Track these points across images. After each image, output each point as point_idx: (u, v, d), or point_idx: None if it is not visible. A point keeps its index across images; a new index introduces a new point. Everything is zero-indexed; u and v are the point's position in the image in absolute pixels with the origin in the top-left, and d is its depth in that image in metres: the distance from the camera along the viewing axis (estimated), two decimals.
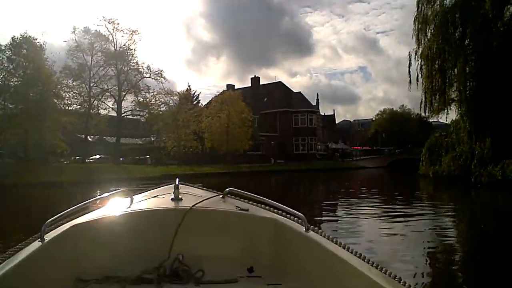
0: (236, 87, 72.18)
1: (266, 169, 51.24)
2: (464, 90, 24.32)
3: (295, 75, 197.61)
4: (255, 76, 76.87)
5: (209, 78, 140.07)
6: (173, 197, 2.90)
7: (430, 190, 24.50)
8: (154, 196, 3.14)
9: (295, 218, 2.73)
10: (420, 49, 27.97)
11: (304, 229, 2.55)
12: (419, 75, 27.75)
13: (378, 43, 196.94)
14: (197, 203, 2.79)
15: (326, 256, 2.26)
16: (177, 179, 3.06)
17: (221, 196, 3.16)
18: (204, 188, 3.53)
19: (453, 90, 26.14)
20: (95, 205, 2.97)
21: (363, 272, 1.98)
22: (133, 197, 3.04)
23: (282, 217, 2.81)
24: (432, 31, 26.75)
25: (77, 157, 48.87)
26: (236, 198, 3.20)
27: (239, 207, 2.89)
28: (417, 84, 28.43)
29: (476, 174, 23.66)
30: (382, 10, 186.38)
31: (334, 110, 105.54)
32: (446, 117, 28.23)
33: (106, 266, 2.47)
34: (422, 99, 27.85)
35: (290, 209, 2.79)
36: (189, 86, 63.10)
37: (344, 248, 2.32)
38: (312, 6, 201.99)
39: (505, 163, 21.21)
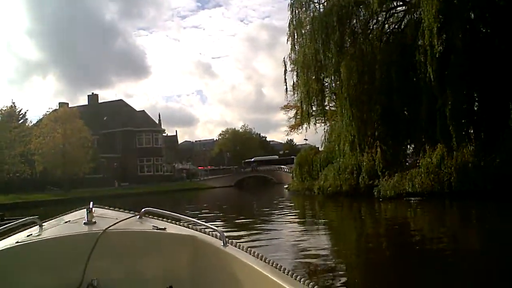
0: (70, 106, 63.20)
1: (109, 193, 44.98)
2: (347, 98, 21.96)
3: (131, 97, 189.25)
4: (92, 93, 68.96)
5: (36, 99, 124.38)
6: (85, 221, 2.69)
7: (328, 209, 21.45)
8: (66, 222, 2.84)
9: (213, 233, 2.63)
10: (293, 55, 25.29)
11: (222, 244, 2.46)
12: (295, 82, 24.93)
13: (212, 67, 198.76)
14: (111, 225, 2.59)
15: (243, 270, 2.21)
16: (91, 203, 2.91)
17: (137, 216, 2.91)
18: (121, 210, 3.15)
19: (333, 99, 23.71)
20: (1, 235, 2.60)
21: (279, 283, 1.91)
22: (42, 224, 2.77)
23: (201, 233, 2.70)
24: (308, 35, 24.21)
25: None
26: (154, 217, 2.96)
27: (156, 226, 2.72)
28: (294, 92, 25.75)
29: (364, 187, 21.39)
30: (216, 37, 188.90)
31: (176, 131, 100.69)
32: (324, 128, 25.80)
33: None
34: (301, 107, 25.03)
35: (208, 224, 2.73)
36: (13, 103, 52.80)
37: (262, 260, 2.21)
38: (146, 28, 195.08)
39: (402, 175, 19.09)
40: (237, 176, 73.96)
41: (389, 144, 21.87)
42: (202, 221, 2.89)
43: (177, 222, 2.91)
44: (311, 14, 24.63)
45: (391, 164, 20.94)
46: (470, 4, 19.97)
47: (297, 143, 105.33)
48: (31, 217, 2.83)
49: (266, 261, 2.20)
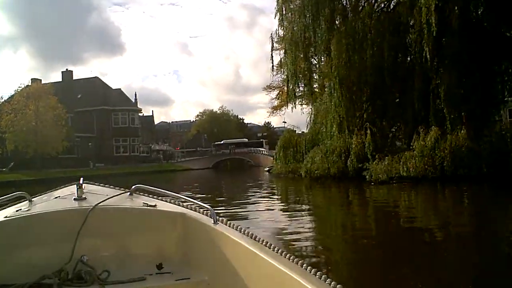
0: (44, 82, 60.60)
1: (84, 174, 41.38)
2: (337, 77, 21.04)
3: (105, 75, 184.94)
4: (67, 69, 66.01)
5: (7, 75, 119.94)
6: (75, 196, 2.65)
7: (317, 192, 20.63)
8: (56, 197, 2.81)
9: (204, 211, 2.60)
10: (281, 31, 24.26)
11: (212, 222, 2.43)
12: (282, 61, 23.90)
13: (189, 47, 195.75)
14: (102, 201, 2.55)
15: (233, 248, 2.19)
16: (81, 178, 2.83)
17: (128, 193, 2.88)
18: (111, 186, 3.14)
19: (320, 78, 22.80)
20: None
21: (268, 260, 1.89)
22: (32, 199, 2.75)
23: (191, 210, 2.68)
24: (297, 11, 23.15)
25: None
26: (144, 194, 2.94)
27: (146, 203, 2.68)
28: (277, 72, 24.70)
29: (353, 170, 20.65)
30: (194, 15, 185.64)
31: (152, 111, 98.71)
32: (310, 109, 24.89)
33: (1, 274, 2.22)
34: (287, 86, 24.04)
35: (198, 202, 2.71)
36: None
37: (252, 238, 2.19)
38: (123, 4, 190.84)
39: (393, 158, 18.34)
40: (215, 158, 72.87)
41: (379, 126, 21.17)
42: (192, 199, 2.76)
43: (167, 200, 2.88)
44: None
45: (381, 146, 20.20)
46: None
47: (275, 126, 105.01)
48: (20, 192, 2.74)
49: (256, 239, 2.17)
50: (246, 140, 79.23)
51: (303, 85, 23.97)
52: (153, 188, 2.87)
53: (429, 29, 17.73)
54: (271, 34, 25.22)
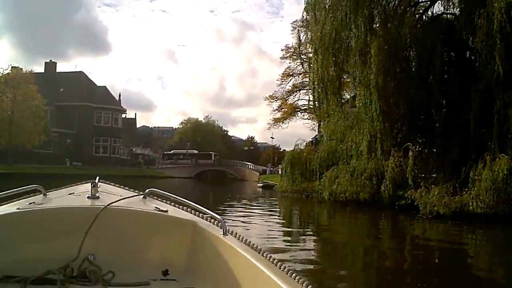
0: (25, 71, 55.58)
1: (59, 172, 39.22)
2: (375, 87, 17.54)
3: (89, 74, 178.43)
4: (50, 60, 60.96)
5: None
6: (89, 195, 2.59)
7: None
8: (70, 194, 2.78)
9: (215, 221, 2.54)
10: (309, 33, 20.78)
11: (221, 233, 2.35)
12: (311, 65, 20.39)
13: (176, 55, 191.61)
14: (114, 202, 2.49)
15: (240, 262, 2.10)
16: (97, 177, 2.81)
17: (141, 196, 2.85)
18: (126, 188, 3.11)
19: (354, 85, 19.23)
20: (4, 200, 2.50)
21: (273, 278, 1.80)
22: (47, 193, 2.71)
23: (202, 219, 2.61)
24: (331, 9, 19.69)
25: None
26: (157, 198, 2.89)
27: (158, 207, 2.60)
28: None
29: (388, 197, 17.07)
30: (184, 24, 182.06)
31: (135, 114, 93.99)
32: (338, 120, 21.33)
33: (7, 266, 2.15)
34: (312, 94, 20.50)
35: (210, 212, 2.61)
36: None
37: (260, 253, 2.11)
38: (113, 5, 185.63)
39: (448, 188, 14.79)
40: (197, 168, 68.59)
41: (421, 149, 17.64)
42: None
43: (180, 206, 2.81)
44: None
45: (424, 172, 16.74)
46: None
47: (258, 141, 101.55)
48: (35, 185, 2.70)
49: (264, 255, 2.09)
50: (195, 151, 73.99)
51: (330, 94, 20.26)
52: (167, 193, 2.80)
53: (503, 38, 14.48)
54: (297, 30, 21.61)
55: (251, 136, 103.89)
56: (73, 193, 2.77)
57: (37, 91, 42.27)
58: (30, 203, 2.45)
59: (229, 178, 69.92)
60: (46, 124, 43.58)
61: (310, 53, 39.76)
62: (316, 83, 20.32)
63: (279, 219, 16.04)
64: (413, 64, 18.09)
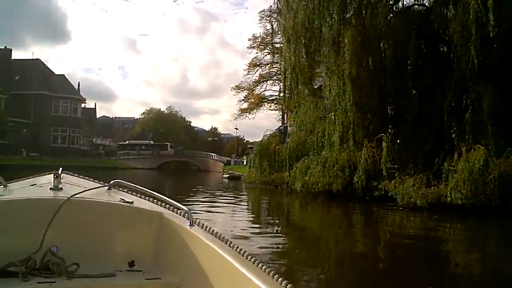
0: None
1: (14, 163, 37.23)
2: (348, 77, 17.16)
3: (46, 62, 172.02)
4: (5, 47, 57.72)
5: None
6: (52, 186, 2.51)
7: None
8: (32, 185, 2.69)
9: (181, 213, 2.50)
10: (282, 22, 20.23)
11: (188, 224, 2.31)
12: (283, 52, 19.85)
13: (138, 44, 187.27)
14: (78, 193, 2.40)
15: (206, 252, 2.08)
16: (61, 168, 2.77)
17: (106, 187, 2.75)
18: (90, 179, 2.99)
19: (327, 75, 18.76)
20: None
21: (239, 268, 1.80)
22: (8, 185, 2.65)
23: (168, 210, 2.56)
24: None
25: None
26: (122, 190, 2.81)
27: (123, 199, 2.53)
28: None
29: (361, 189, 16.81)
30: (146, 13, 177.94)
31: (95, 104, 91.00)
32: (306, 111, 20.90)
33: None
34: (283, 82, 19.99)
35: (176, 203, 2.58)
36: None
37: (227, 244, 2.09)
38: None
39: (423, 178, 14.60)
40: (160, 159, 67.09)
41: (397, 140, 17.43)
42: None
43: (145, 197, 2.75)
44: None
45: (402, 163, 16.55)
46: None
47: (221, 132, 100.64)
48: None
49: (231, 246, 2.07)
50: (148, 142, 72.71)
51: (300, 84, 19.79)
52: (132, 184, 2.72)
53: (478, 29, 14.37)
54: (270, 21, 21.02)
55: (215, 127, 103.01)
56: (35, 184, 2.71)
57: None
58: None
59: (192, 169, 68.83)
60: (0, 113, 41.34)
61: (279, 43, 39.61)
62: (288, 72, 19.76)
63: (248, 210, 15.74)
64: (387, 54, 17.81)
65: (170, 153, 69.53)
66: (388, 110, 18.42)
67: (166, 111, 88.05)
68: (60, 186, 2.52)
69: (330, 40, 18.45)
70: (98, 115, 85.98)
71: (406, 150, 17.05)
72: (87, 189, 2.51)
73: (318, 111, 21.45)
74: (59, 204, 2.26)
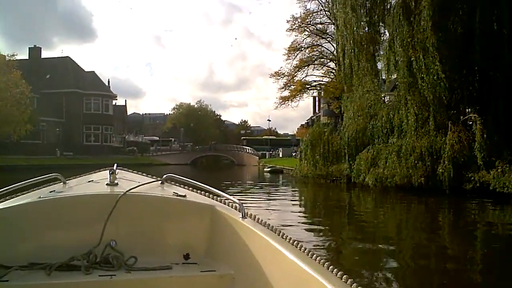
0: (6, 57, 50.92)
1: (49, 163, 35.35)
2: (427, 48, 14.05)
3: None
4: (35, 46, 56.17)
5: None
6: (108, 182, 2.54)
7: None
8: (89, 181, 2.76)
9: (233, 205, 2.45)
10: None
11: (240, 216, 2.27)
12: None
13: (164, 40, 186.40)
14: (133, 188, 2.44)
15: (260, 244, 2.03)
16: (115, 164, 2.76)
17: (159, 182, 2.77)
18: (144, 174, 3.06)
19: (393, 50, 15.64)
20: (24, 190, 2.45)
21: (293, 259, 1.74)
22: (67, 181, 2.70)
23: (220, 203, 2.54)
24: None
25: None
26: (175, 184, 2.83)
27: (176, 193, 2.53)
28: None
29: (448, 181, 13.71)
30: (171, 9, 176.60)
31: (126, 101, 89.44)
32: (364, 94, 17.86)
33: (32, 253, 2.15)
34: (341, 61, 17.07)
35: (228, 196, 2.56)
36: None
37: (279, 235, 2.00)
38: None
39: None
40: (193, 154, 64.83)
41: (488, 121, 14.20)
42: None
43: (197, 191, 2.75)
44: None
45: (496, 149, 13.40)
46: None
47: (251, 125, 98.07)
48: (55, 174, 2.70)
49: (284, 237, 2.00)
50: (156, 138, 72.32)
51: (362, 60, 16.73)
52: (184, 178, 2.74)
53: None
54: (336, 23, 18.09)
55: (244, 120, 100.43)
56: (92, 180, 2.76)
57: (21, 77, 38.10)
58: (51, 192, 2.45)
59: (225, 163, 66.51)
60: (32, 112, 39.52)
61: (323, 23, 36.35)
62: (347, 47, 16.67)
63: (304, 207, 13.36)
64: (474, 16, 14.55)
65: (204, 148, 67.50)
66: (476, 85, 15.15)
67: (196, 106, 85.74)
68: (116, 181, 2.51)
69: (400, 6, 15.32)
70: (128, 112, 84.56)
71: (498, 133, 13.84)
72: (141, 183, 2.52)
73: (377, 94, 18.44)
74: (116, 199, 2.28)
